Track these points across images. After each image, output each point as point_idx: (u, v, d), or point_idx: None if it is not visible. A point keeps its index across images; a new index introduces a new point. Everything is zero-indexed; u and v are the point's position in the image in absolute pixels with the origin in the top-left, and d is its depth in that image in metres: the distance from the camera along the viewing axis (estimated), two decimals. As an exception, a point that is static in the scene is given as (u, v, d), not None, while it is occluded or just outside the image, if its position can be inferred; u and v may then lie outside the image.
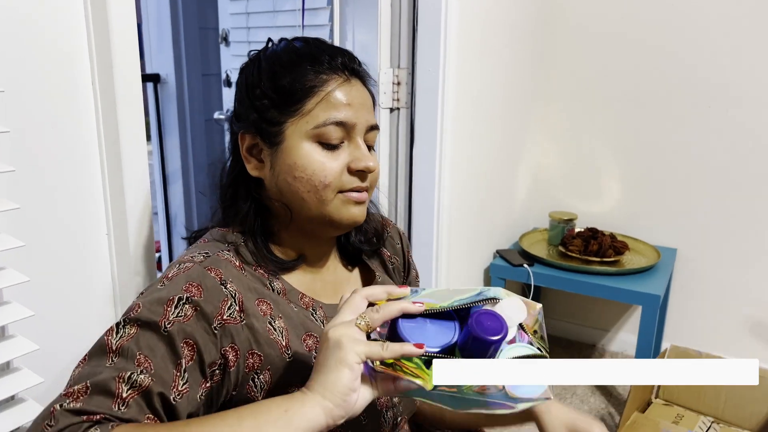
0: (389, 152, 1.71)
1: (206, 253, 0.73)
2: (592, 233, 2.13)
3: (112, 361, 0.62)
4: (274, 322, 0.73)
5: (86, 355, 0.64)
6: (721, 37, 2.07)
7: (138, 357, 0.62)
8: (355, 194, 0.75)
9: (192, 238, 0.82)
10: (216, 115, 2.25)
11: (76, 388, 0.59)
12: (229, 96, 2.19)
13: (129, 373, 0.60)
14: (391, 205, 1.75)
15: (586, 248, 2.06)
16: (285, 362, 0.72)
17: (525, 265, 2.03)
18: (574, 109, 2.35)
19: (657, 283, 1.93)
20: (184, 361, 0.64)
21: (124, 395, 0.59)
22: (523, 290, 2.27)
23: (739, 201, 2.16)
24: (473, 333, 0.59)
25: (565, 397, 2.16)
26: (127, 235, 0.90)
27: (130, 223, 0.90)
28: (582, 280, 1.95)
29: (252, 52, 0.80)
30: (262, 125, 0.75)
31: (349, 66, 0.76)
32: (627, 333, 2.47)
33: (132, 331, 0.64)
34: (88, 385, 0.59)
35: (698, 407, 1.87)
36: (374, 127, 0.77)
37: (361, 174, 0.75)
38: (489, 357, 0.61)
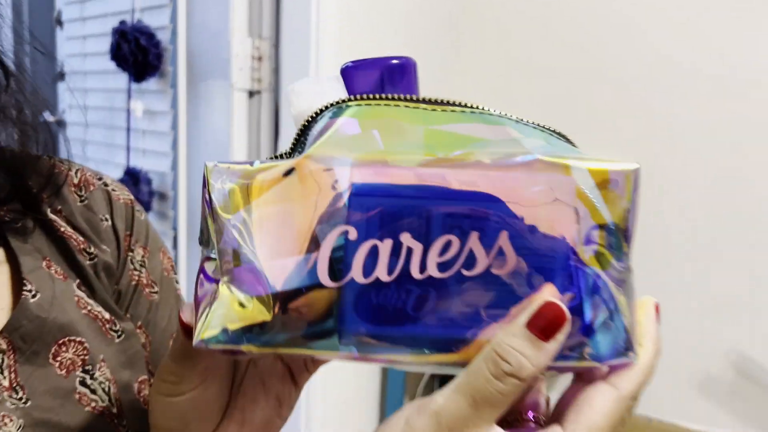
0: (248, 145, 1.29)
1: None
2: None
3: None
4: None
5: None
6: (656, 29, 1.82)
7: None
8: None
9: None
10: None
11: None
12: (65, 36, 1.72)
13: None
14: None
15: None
16: None
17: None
18: (488, 104, 2.03)
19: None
20: None
21: None
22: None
23: (690, 241, 1.85)
24: None
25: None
26: None
27: None
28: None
29: None
30: None
31: None
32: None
33: None
34: None
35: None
36: None
37: None
38: None
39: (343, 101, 0.30)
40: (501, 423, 0.27)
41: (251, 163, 0.27)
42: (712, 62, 1.75)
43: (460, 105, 0.29)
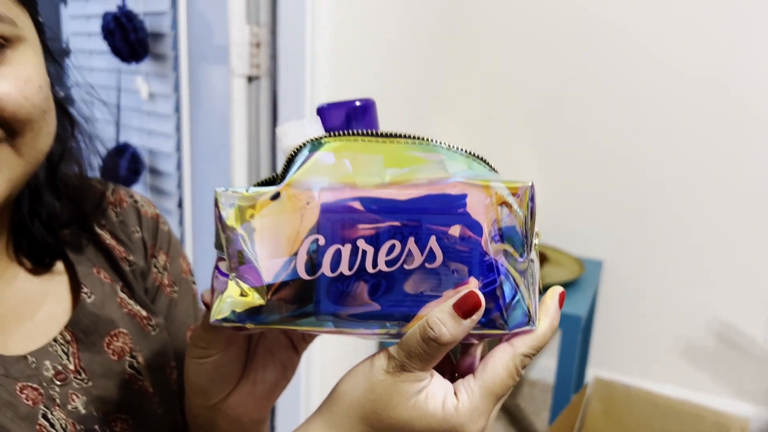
0: (248, 131, 1.34)
1: None
2: (507, 242, 1.81)
3: None
4: None
5: None
6: (651, 31, 1.82)
7: None
8: None
9: None
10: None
11: None
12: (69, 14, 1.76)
13: None
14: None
15: (499, 259, 1.75)
16: None
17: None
18: (489, 98, 2.05)
19: (579, 301, 1.62)
20: None
21: None
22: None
23: (673, 209, 1.90)
24: None
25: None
26: None
27: None
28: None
29: None
30: None
31: None
32: (547, 357, 2.17)
33: None
34: None
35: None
36: None
37: None
38: None
39: (321, 138, 0.37)
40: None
41: (247, 189, 0.36)
42: (703, 63, 1.75)
43: (405, 137, 0.37)
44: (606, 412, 1.59)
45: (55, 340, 0.49)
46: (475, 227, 0.34)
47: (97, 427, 0.48)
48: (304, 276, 0.35)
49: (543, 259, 1.76)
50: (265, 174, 1.36)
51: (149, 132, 1.47)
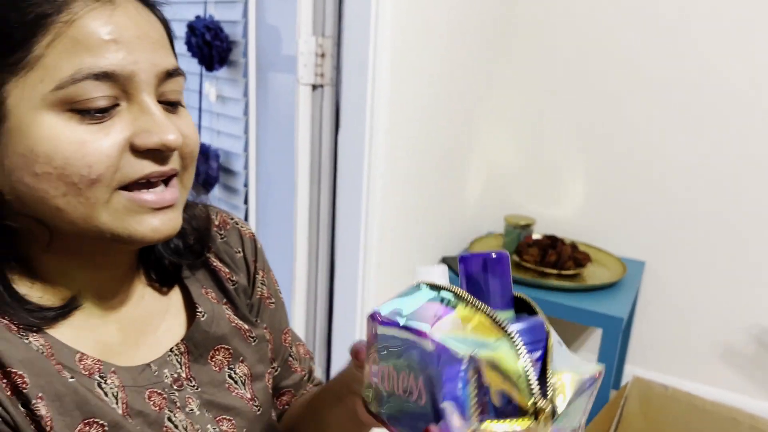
0: (311, 138, 1.43)
1: None
2: (551, 241, 1.87)
3: None
4: (33, 404, 0.45)
5: None
6: (700, 35, 1.83)
7: None
8: (150, 195, 0.47)
9: None
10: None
11: None
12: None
13: None
14: (312, 203, 1.47)
15: (543, 258, 1.81)
16: None
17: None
18: (536, 101, 2.09)
19: (621, 302, 1.68)
20: None
21: None
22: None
23: (716, 212, 1.92)
24: None
25: None
26: None
27: None
28: (536, 296, 1.69)
29: None
30: None
31: None
32: (587, 354, 2.23)
33: None
34: None
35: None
36: (173, 73, 0.49)
37: (157, 154, 0.47)
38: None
39: (441, 288, 0.44)
40: None
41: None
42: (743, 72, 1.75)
43: (484, 312, 0.41)
44: (643, 410, 1.64)
45: (171, 350, 0.56)
46: (447, 386, 0.38)
47: (209, 426, 0.56)
48: (372, 381, 0.46)
49: (587, 259, 1.81)
50: (325, 174, 1.45)
51: (218, 132, 1.58)
